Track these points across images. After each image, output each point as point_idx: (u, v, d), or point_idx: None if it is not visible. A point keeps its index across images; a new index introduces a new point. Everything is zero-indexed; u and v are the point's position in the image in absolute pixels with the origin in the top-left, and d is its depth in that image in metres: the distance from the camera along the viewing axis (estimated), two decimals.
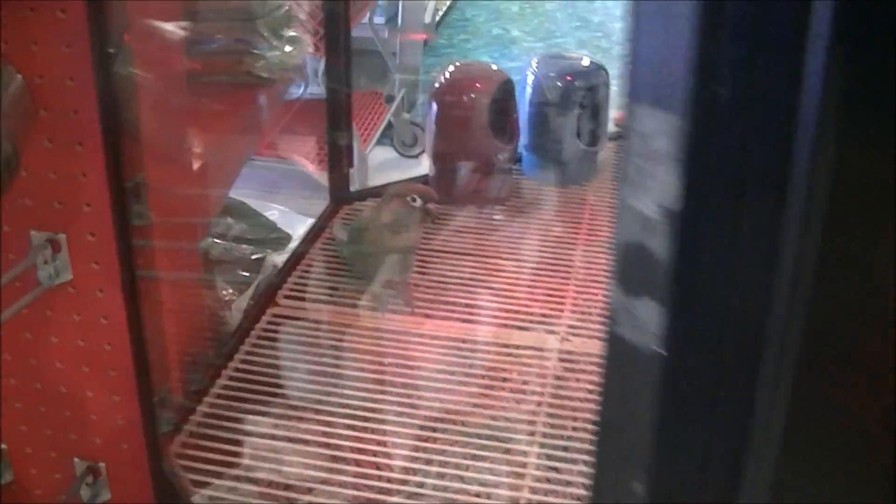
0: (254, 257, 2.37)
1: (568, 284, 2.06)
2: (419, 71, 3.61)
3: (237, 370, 1.78)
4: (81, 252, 1.40)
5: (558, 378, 1.81)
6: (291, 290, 2.01)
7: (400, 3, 3.47)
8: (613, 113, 2.51)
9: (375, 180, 2.90)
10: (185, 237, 1.69)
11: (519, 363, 1.84)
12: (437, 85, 2.26)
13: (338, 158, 2.30)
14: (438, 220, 1.93)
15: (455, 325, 1.91)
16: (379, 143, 3.42)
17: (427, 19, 3.66)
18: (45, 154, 1.35)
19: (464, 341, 1.88)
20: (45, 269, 1.41)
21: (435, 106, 2.24)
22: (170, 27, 1.61)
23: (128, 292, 1.40)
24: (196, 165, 1.72)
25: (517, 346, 1.88)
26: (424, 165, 2.46)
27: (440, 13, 4.34)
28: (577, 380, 1.81)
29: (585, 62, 2.43)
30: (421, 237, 1.98)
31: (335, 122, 2.25)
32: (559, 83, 2.36)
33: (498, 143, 2.23)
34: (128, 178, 1.36)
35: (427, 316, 1.95)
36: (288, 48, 2.21)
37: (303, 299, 1.98)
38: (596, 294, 2.03)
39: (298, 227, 2.54)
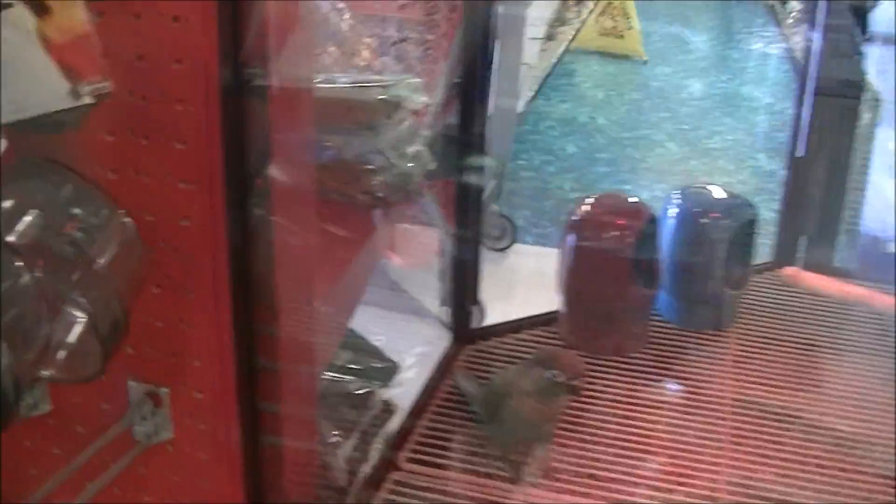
0: (359, 392, 2.15)
1: (720, 455, 1.84)
2: (508, 158, 3.39)
3: None
4: (185, 409, 1.24)
5: None
6: (415, 450, 1.79)
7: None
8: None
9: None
10: (306, 388, 1.47)
11: None
12: (575, 217, 2.05)
13: (461, 292, 2.06)
14: (581, 393, 1.69)
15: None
16: None
17: (519, 109, 3.49)
18: (152, 298, 1.17)
19: None
20: (144, 426, 1.25)
21: (573, 239, 2.03)
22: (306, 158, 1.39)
23: (246, 467, 1.24)
24: (324, 307, 1.50)
25: None
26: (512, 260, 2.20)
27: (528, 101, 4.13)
28: None
29: (732, 197, 2.21)
30: (564, 409, 1.75)
31: (461, 252, 2.03)
32: (704, 220, 2.15)
33: (641, 288, 2.00)
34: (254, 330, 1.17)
35: (570, 491, 1.72)
36: (409, 165, 2.00)
37: (431, 464, 1.76)
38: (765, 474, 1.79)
39: (405, 356, 2.32)
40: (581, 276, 2.06)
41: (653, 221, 2.05)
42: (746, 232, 2.17)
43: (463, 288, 2.09)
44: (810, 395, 2.01)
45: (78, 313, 1.03)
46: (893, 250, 2.95)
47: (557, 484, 1.74)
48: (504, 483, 1.73)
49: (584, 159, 4.61)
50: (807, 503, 1.69)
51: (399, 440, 1.80)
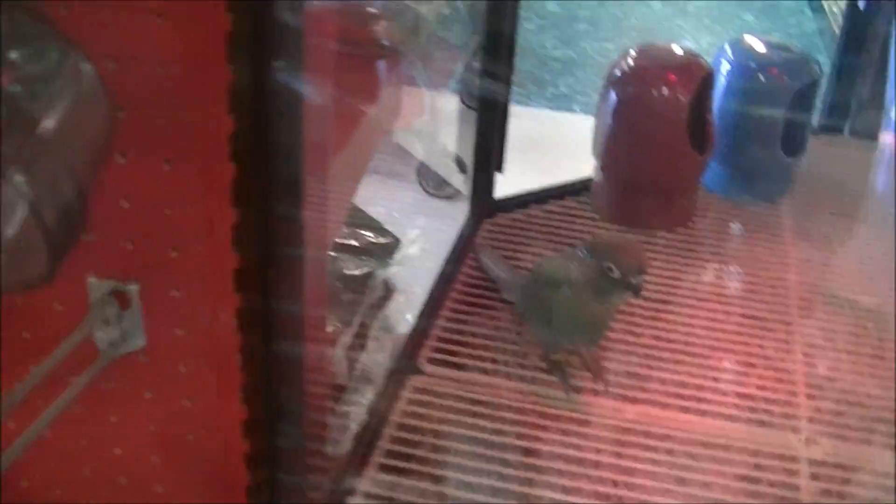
0: (356, 272, 1.83)
1: (792, 349, 1.59)
2: None
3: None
4: (160, 311, 0.94)
5: None
6: (439, 347, 1.48)
7: None
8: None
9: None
10: (318, 279, 1.15)
11: (752, 480, 1.34)
12: (617, 71, 1.72)
13: (485, 154, 1.75)
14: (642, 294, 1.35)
15: (652, 414, 1.43)
16: None
17: None
18: (118, 171, 0.86)
19: (668, 439, 1.40)
20: (108, 333, 0.95)
21: (614, 98, 1.70)
22: None
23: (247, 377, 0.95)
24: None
25: (745, 450, 1.39)
26: None
27: None
28: None
29: (794, 51, 1.89)
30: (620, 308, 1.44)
31: (487, 107, 1.70)
32: (763, 77, 1.82)
33: (693, 152, 1.69)
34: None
35: (626, 399, 1.43)
36: (423, 9, 1.68)
37: (455, 366, 1.47)
38: (837, 367, 1.56)
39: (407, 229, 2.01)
40: (624, 140, 1.76)
41: (710, 77, 1.73)
42: (809, 92, 1.85)
43: (488, 147, 1.75)
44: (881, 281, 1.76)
45: (16, 197, 0.69)
46: None
47: (613, 390, 1.44)
48: (548, 388, 1.42)
49: (566, 17, 4.30)
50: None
51: (418, 335, 1.47)
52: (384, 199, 2.32)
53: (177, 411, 1.01)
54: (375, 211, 1.95)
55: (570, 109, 3.56)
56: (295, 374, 0.98)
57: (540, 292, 1.41)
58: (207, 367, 0.98)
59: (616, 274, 1.29)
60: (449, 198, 2.55)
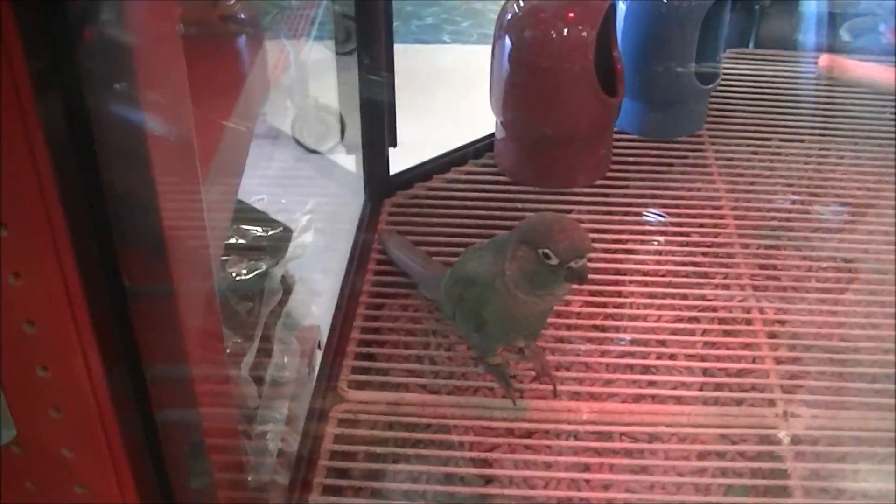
0: (249, 276, 1.63)
1: (747, 303, 1.44)
2: None
3: None
4: (26, 396, 0.77)
5: (806, 493, 1.16)
6: (358, 364, 1.29)
7: None
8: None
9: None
10: (209, 314, 0.97)
11: (734, 473, 1.20)
12: (509, 14, 1.52)
13: (377, 128, 1.56)
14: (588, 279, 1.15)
15: (608, 409, 1.27)
16: None
17: None
18: None
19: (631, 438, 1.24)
20: None
21: (509, 45, 1.51)
22: None
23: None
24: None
25: (717, 437, 1.24)
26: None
27: None
28: (838, 493, 1.17)
29: None
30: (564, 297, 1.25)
31: (373, 69, 1.52)
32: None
33: (604, 95, 1.50)
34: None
35: (576, 397, 1.26)
36: None
37: (384, 385, 1.29)
38: (796, 314, 1.42)
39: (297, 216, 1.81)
40: (525, 91, 1.56)
41: (612, 9, 1.55)
42: (719, 10, 1.67)
43: (379, 120, 1.58)
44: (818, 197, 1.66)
45: None
46: None
47: (561, 387, 1.27)
48: (488, 398, 1.25)
49: None
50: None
51: (333, 357, 1.29)
52: (265, 170, 2.13)
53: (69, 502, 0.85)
54: (260, 189, 1.75)
55: (439, 40, 3.41)
56: (193, 425, 0.83)
57: (466, 293, 1.20)
58: (91, 448, 0.81)
59: (555, 261, 1.09)
60: (332, 151, 2.39)
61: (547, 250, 1.09)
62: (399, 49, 2.31)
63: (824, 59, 1.49)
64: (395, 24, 3.19)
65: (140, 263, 0.71)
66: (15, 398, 0.78)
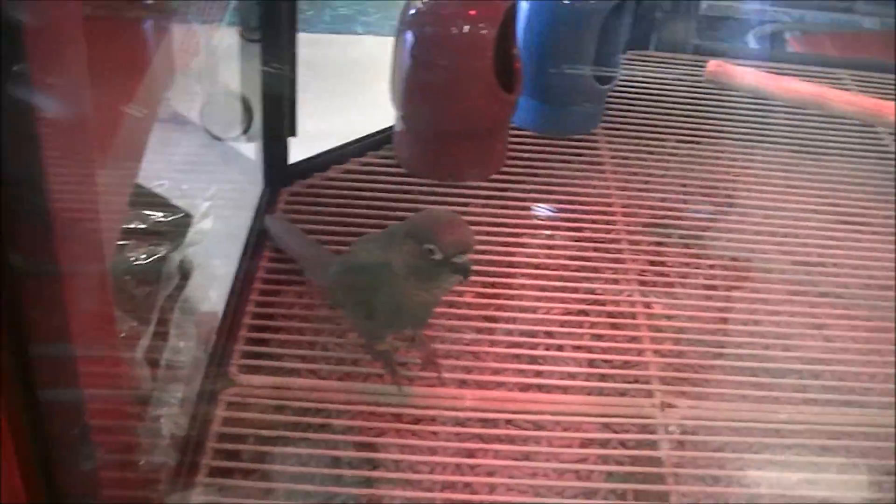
0: (147, 260, 1.64)
1: (632, 297, 1.49)
2: None
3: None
4: None
5: (680, 480, 1.21)
6: (249, 349, 1.30)
7: None
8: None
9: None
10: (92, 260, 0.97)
11: (614, 460, 1.24)
12: (412, 10, 1.55)
13: (276, 118, 1.59)
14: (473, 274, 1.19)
15: (491, 397, 1.31)
16: None
17: None
18: None
19: (509, 423, 1.28)
20: None
21: (412, 40, 1.54)
22: None
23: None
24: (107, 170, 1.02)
25: (597, 425, 1.28)
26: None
27: None
28: (713, 480, 1.21)
29: None
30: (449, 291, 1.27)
31: (275, 58, 1.55)
32: (569, 2, 1.72)
33: (502, 92, 1.54)
34: None
35: (463, 385, 1.29)
36: None
37: (275, 370, 1.30)
38: (677, 307, 1.47)
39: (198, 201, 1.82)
40: (425, 86, 1.59)
41: (513, 9, 1.59)
42: (618, 13, 1.72)
43: (279, 108, 1.59)
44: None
45: None
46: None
47: (448, 375, 1.30)
48: (374, 384, 1.27)
49: None
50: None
51: (224, 339, 1.30)
52: (170, 158, 2.13)
53: None
54: (162, 174, 1.75)
55: (352, 31, 3.41)
56: (79, 407, 0.83)
57: (357, 281, 1.23)
58: None
59: (439, 256, 1.13)
60: (238, 139, 2.37)
61: (431, 246, 1.13)
62: (310, 38, 2.33)
63: (711, 65, 1.54)
64: (308, 13, 3.21)
65: (27, 243, 0.72)
66: None
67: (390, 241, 1.19)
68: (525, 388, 1.31)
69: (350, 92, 2.20)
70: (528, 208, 1.63)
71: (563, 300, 1.46)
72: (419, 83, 1.60)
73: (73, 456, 0.84)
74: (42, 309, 0.75)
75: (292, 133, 1.62)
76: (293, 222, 1.54)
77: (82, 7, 1.15)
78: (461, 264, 1.13)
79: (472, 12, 1.55)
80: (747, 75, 1.54)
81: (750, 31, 3.38)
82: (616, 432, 1.26)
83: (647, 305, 1.45)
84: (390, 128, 1.73)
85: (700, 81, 1.99)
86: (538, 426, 1.26)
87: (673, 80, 2.05)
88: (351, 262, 1.27)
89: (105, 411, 0.95)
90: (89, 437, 0.86)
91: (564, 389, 1.32)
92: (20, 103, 0.65)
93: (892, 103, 1.82)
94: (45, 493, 0.83)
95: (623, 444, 1.25)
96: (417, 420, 1.26)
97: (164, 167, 1.91)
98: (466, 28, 1.55)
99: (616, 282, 1.50)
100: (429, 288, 1.18)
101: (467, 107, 1.60)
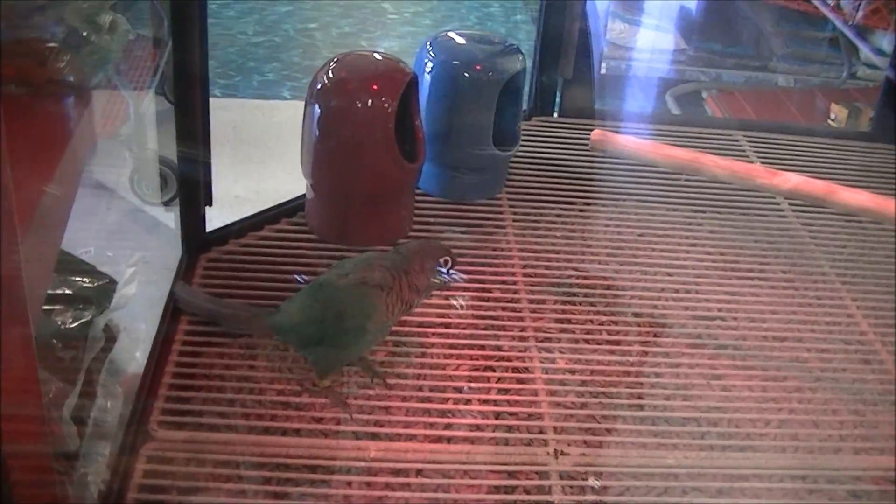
0: (74, 324, 1.72)
1: (530, 352, 1.59)
2: None
3: None
4: None
5: None
6: (169, 407, 1.38)
7: None
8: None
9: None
10: (24, 362, 1.05)
11: None
12: (318, 85, 1.65)
13: (192, 187, 1.65)
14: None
15: (397, 448, 1.39)
16: None
17: None
18: None
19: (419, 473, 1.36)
20: None
21: (318, 112, 1.64)
22: None
23: None
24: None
25: (498, 473, 1.37)
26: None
27: None
28: None
29: (497, 44, 1.87)
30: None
31: (187, 133, 1.61)
32: (467, 74, 1.80)
33: (404, 161, 1.64)
34: None
35: (369, 436, 1.39)
36: (106, 37, 1.57)
37: (193, 425, 1.37)
38: (573, 361, 1.57)
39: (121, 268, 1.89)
40: (331, 155, 1.70)
41: (414, 82, 1.68)
42: (515, 83, 1.83)
43: (195, 180, 1.66)
44: (604, 257, 1.82)
45: None
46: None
47: (356, 429, 1.39)
48: (293, 438, 1.35)
49: (265, 1, 4.24)
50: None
51: (144, 395, 1.37)
52: (96, 224, 2.19)
53: None
54: (88, 241, 1.83)
55: (280, 96, 3.49)
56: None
57: (332, 320, 1.37)
58: None
59: (447, 278, 1.38)
60: (168, 204, 2.43)
61: (444, 261, 1.37)
62: (237, 104, 2.42)
63: (595, 134, 1.65)
64: (236, 79, 3.29)
65: None
66: None
67: (373, 263, 1.38)
68: (435, 439, 1.39)
69: (273, 156, 2.27)
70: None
71: (470, 357, 1.55)
72: (325, 153, 1.70)
73: None
74: None
75: (208, 202, 1.69)
76: (212, 286, 1.62)
77: (1, 88, 1.24)
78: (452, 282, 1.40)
79: (374, 86, 1.65)
80: (629, 143, 1.64)
81: (666, 91, 3.53)
82: (519, 479, 1.34)
83: (551, 361, 1.55)
84: (303, 196, 1.81)
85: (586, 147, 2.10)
86: (445, 475, 1.34)
87: (574, 145, 2.15)
88: (313, 305, 1.41)
89: (30, 468, 1.01)
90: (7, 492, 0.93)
91: (472, 441, 1.40)
92: None
93: (760, 166, 1.95)
94: None
95: (526, 490, 1.33)
96: (331, 470, 1.33)
97: (89, 234, 1.99)
98: (369, 101, 1.65)
99: (520, 339, 1.59)
100: (418, 303, 1.39)
101: (371, 175, 1.70)
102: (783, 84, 3.68)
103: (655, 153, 1.55)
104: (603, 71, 3.28)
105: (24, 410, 1.00)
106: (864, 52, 3.37)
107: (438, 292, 1.59)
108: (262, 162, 2.59)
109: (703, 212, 1.96)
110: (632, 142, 1.57)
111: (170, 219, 2.14)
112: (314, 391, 1.41)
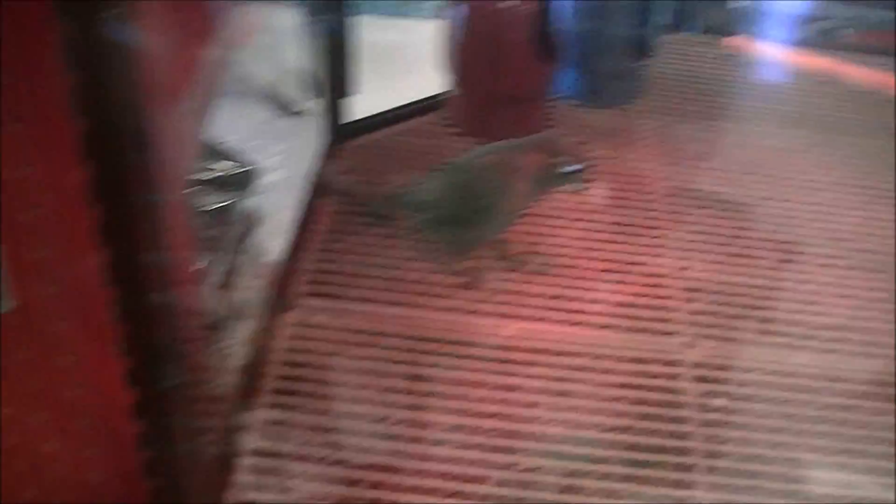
0: (218, 206, 1.77)
1: (664, 252, 1.61)
2: None
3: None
4: (26, 272, 0.91)
5: (705, 409, 1.33)
6: (316, 280, 1.45)
7: None
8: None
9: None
10: (184, 223, 1.11)
11: (636, 387, 1.36)
12: None
13: (334, 78, 1.71)
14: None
15: (531, 329, 1.42)
16: None
17: None
18: None
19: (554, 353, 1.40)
20: None
21: (463, 13, 1.67)
22: None
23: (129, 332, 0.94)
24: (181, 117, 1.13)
25: (628, 359, 1.40)
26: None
27: None
28: (728, 411, 1.33)
29: None
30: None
31: (334, 33, 1.65)
32: None
33: (543, 63, 1.67)
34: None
35: (505, 316, 1.42)
36: None
37: (334, 296, 1.42)
38: (708, 266, 1.58)
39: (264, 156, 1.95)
40: (474, 53, 1.74)
41: None
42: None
43: (335, 75, 1.71)
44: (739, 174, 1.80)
45: None
46: None
47: (491, 308, 1.43)
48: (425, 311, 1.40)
49: None
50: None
51: (288, 270, 1.44)
52: (237, 123, 2.24)
53: (58, 368, 0.98)
54: (232, 135, 1.88)
55: (411, 15, 3.49)
56: (169, 320, 0.96)
57: (470, 189, 1.41)
58: (82, 323, 0.95)
59: (564, 170, 1.37)
60: (300, 115, 2.47)
61: (563, 161, 1.37)
62: (372, 21, 2.44)
63: (729, 40, 1.66)
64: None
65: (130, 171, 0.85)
66: (17, 273, 0.91)
67: (509, 152, 1.40)
68: (562, 322, 1.44)
69: (413, 72, 2.30)
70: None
71: (601, 259, 1.58)
72: (468, 51, 1.74)
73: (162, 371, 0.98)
74: (143, 228, 0.88)
75: (350, 92, 1.74)
76: (355, 172, 1.66)
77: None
78: (578, 175, 1.38)
79: None
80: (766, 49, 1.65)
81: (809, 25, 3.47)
82: (648, 364, 1.37)
83: (681, 266, 1.57)
84: (437, 95, 1.86)
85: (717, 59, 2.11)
86: (572, 365, 1.38)
87: (713, 61, 2.15)
88: (447, 186, 1.44)
89: (183, 338, 1.07)
90: (176, 355, 1.00)
91: (599, 326, 1.44)
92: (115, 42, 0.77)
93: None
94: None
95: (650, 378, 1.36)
96: (464, 345, 1.37)
97: (233, 129, 2.04)
98: (511, 3, 1.68)
99: (656, 245, 1.62)
100: (542, 194, 1.41)
101: (509, 73, 1.73)
102: None
103: (795, 61, 1.55)
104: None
105: (184, 268, 1.05)
106: None
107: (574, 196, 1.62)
108: (396, 77, 2.62)
109: (843, 135, 1.94)
110: (771, 48, 1.58)
111: (311, 123, 2.19)
112: (447, 271, 1.44)
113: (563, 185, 1.39)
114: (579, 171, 1.36)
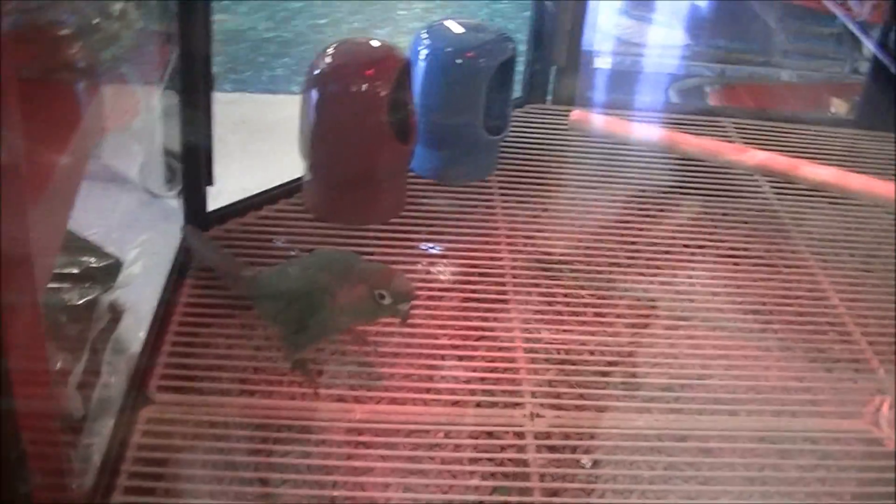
0: (79, 301, 1.80)
1: (511, 324, 1.66)
2: None
3: None
4: None
5: (545, 477, 1.38)
6: (168, 374, 1.48)
7: None
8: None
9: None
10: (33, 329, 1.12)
11: (487, 461, 1.41)
12: (316, 69, 1.74)
13: (193, 167, 1.74)
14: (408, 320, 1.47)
15: (380, 410, 1.47)
16: None
17: None
18: None
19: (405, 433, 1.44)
20: None
21: (316, 97, 1.72)
22: None
23: None
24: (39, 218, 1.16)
25: (479, 434, 1.45)
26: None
27: None
28: (573, 479, 1.38)
29: (489, 33, 1.95)
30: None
31: (192, 118, 1.69)
32: (460, 61, 1.88)
33: (397, 144, 1.73)
34: None
35: (355, 400, 1.47)
36: (116, 25, 1.64)
37: (189, 390, 1.45)
38: (553, 334, 1.64)
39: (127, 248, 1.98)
40: (328, 137, 1.78)
41: (407, 67, 1.77)
42: (506, 70, 1.92)
43: (194, 165, 1.74)
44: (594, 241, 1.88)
45: None
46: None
47: (341, 392, 1.47)
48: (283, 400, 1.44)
49: None
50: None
51: (145, 362, 1.46)
52: (105, 211, 2.26)
53: None
54: (96, 226, 1.91)
55: (288, 91, 3.55)
56: (13, 433, 0.94)
57: (293, 304, 1.45)
58: None
59: (388, 301, 1.39)
60: (167, 200, 2.49)
61: (383, 292, 1.38)
62: (247, 98, 2.49)
63: (575, 113, 1.73)
64: (246, 73, 3.36)
65: None
66: None
67: (328, 271, 1.44)
68: (413, 401, 1.48)
69: (281, 150, 2.35)
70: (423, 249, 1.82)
71: (452, 334, 1.62)
72: (322, 136, 1.78)
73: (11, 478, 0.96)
74: None
75: (209, 182, 1.78)
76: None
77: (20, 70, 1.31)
78: (403, 311, 1.40)
79: (369, 72, 1.74)
80: (606, 123, 1.72)
81: (672, 84, 3.59)
82: (496, 439, 1.43)
83: (527, 336, 1.62)
84: (301, 178, 1.90)
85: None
86: (421, 444, 1.43)
87: (564, 130, 2.21)
88: (287, 285, 1.49)
89: (39, 434, 1.08)
90: (25, 461, 0.98)
91: (449, 402, 1.49)
92: None
93: (729, 144, 2.03)
94: None
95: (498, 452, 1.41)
96: (314, 431, 1.41)
97: (97, 219, 2.07)
98: (364, 86, 1.74)
99: (504, 312, 1.68)
100: (364, 321, 1.48)
101: (364, 157, 1.79)
102: (786, 79, 3.73)
103: (631, 133, 1.63)
104: (607, 65, 3.35)
105: (32, 370, 1.04)
106: (868, 47, 3.42)
107: (427, 267, 1.70)
108: (270, 154, 2.65)
109: (688, 195, 2.03)
110: (609, 122, 1.65)
111: (176, 209, 2.23)
112: (284, 366, 1.49)
113: (385, 316, 1.45)
114: (405, 306, 1.40)
